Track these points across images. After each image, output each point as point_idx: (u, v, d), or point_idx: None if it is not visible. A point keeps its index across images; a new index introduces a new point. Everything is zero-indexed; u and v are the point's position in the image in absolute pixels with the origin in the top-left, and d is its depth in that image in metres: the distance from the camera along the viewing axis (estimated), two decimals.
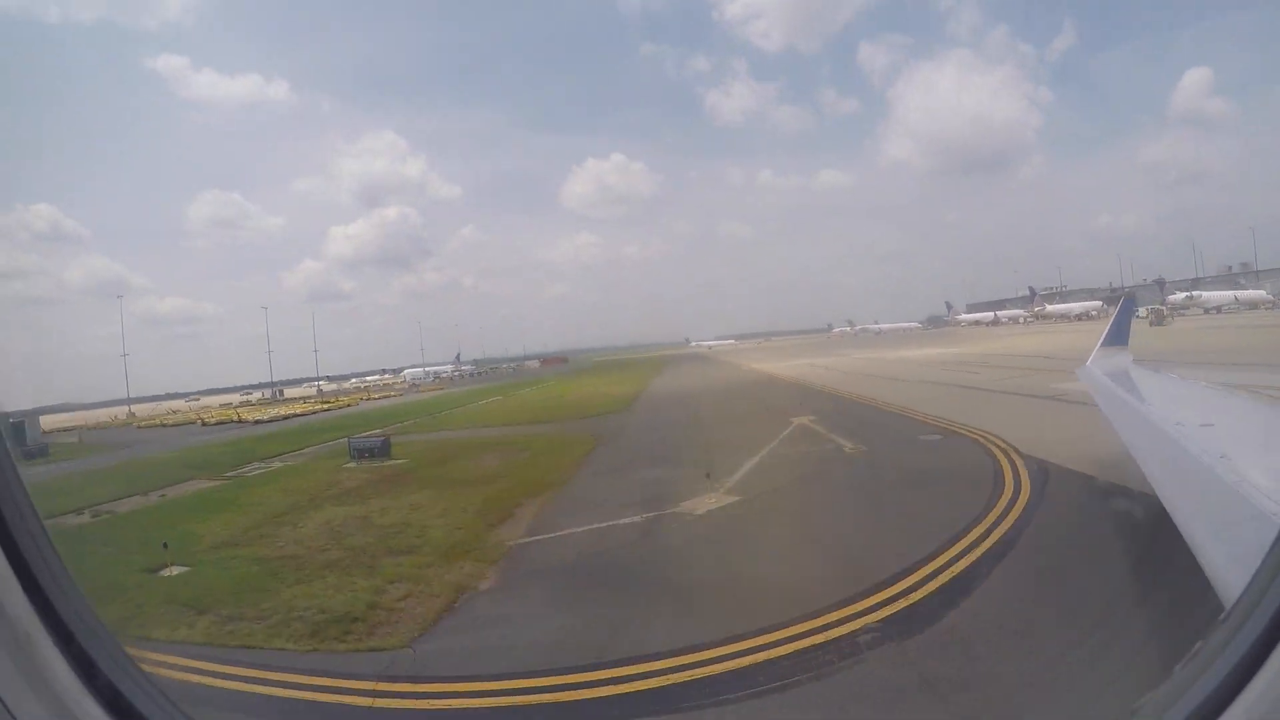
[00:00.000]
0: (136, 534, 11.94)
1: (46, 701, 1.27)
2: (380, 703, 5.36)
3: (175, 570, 9.18)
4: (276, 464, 20.27)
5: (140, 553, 10.16)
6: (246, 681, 5.80)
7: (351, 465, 17.88)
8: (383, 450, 18.57)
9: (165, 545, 9.63)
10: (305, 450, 23.18)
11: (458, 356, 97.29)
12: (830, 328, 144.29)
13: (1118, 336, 11.95)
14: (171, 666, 5.99)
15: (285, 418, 43.15)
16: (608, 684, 5.23)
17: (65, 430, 43.25)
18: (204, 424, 44.37)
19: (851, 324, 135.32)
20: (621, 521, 10.07)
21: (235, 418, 46.17)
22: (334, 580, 8.23)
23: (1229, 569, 2.68)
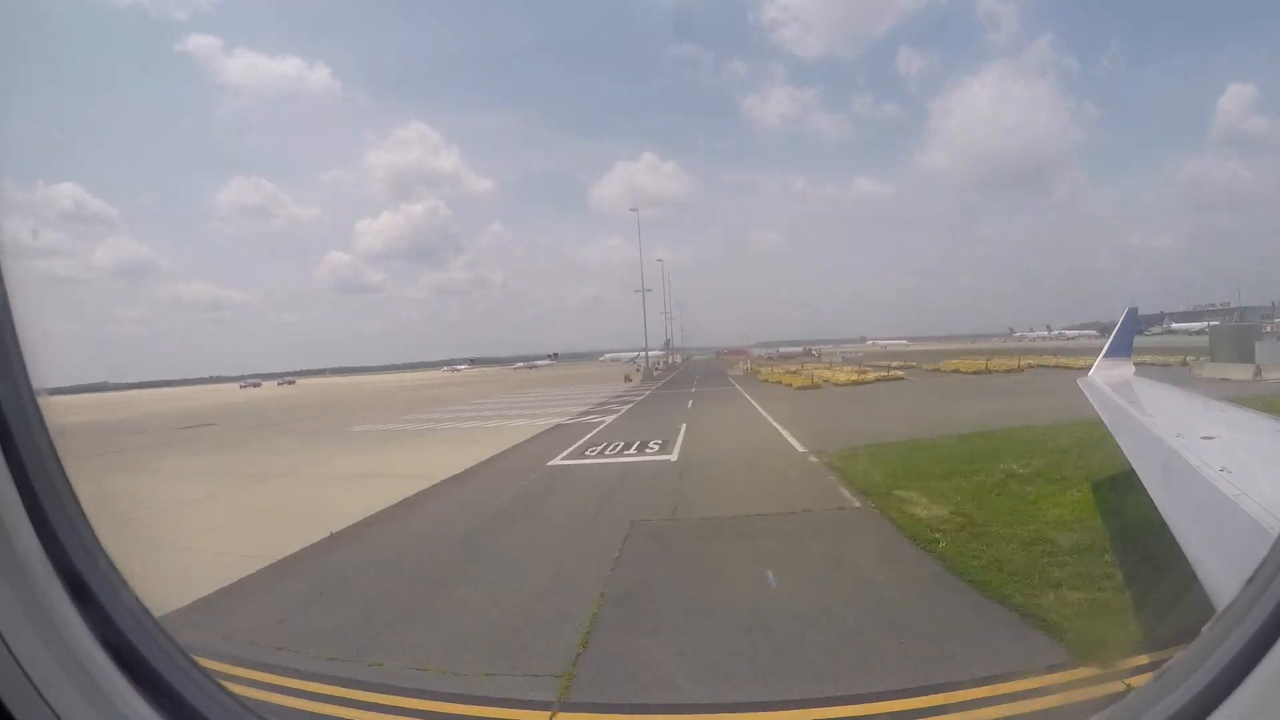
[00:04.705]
0: None
1: (48, 641, 1.23)
2: None
3: None
4: None
5: None
6: None
7: None
8: None
9: None
10: None
11: (668, 343, 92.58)
12: (1011, 332, 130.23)
13: (1121, 348, 11.93)
14: None
15: None
16: None
17: None
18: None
19: (1050, 327, 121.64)
20: None
21: None
22: None
23: (1226, 580, 2.70)
